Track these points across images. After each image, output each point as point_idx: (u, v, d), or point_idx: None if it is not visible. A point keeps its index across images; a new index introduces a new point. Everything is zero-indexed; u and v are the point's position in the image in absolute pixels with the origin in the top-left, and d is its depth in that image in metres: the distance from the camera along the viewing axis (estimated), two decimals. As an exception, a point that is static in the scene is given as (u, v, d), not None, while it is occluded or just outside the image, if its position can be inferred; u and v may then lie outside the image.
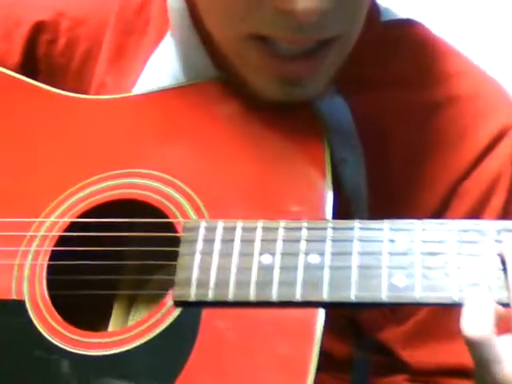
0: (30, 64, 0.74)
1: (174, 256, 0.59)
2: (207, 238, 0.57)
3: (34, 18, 0.73)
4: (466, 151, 0.67)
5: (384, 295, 0.52)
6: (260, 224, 0.57)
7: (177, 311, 0.56)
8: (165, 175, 0.62)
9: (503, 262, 0.52)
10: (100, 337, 0.57)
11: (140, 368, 0.55)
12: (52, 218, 0.62)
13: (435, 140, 0.68)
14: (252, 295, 0.55)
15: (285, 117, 0.63)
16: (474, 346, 0.49)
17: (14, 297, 0.60)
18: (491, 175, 0.67)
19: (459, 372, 0.66)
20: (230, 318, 0.55)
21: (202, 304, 0.56)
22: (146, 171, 0.63)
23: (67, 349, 0.57)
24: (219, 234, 0.57)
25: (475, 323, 0.49)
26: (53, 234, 0.62)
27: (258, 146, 0.62)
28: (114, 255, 0.61)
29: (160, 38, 0.72)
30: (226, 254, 0.56)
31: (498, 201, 0.67)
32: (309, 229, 0.56)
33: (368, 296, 0.52)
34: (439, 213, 0.67)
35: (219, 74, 0.68)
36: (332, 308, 0.54)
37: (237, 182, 0.61)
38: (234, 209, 0.59)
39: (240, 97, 0.65)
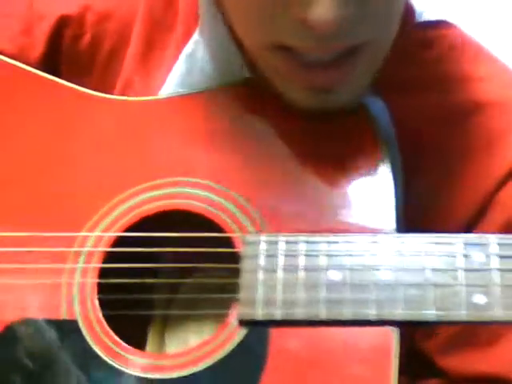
0: (53, 59, 0.71)
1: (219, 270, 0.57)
2: (269, 254, 0.55)
3: (58, 12, 0.71)
4: (500, 159, 0.66)
5: (464, 314, 0.51)
6: (325, 238, 0.55)
7: (243, 331, 0.54)
8: (218, 185, 0.60)
9: None
10: (165, 358, 0.55)
11: (210, 391, 0.53)
12: (98, 232, 0.60)
13: (467, 147, 0.66)
14: (322, 313, 0.53)
15: (335, 123, 0.61)
16: None
17: (66, 316, 0.57)
18: None
19: (495, 380, 0.66)
20: (300, 337, 0.54)
21: (269, 323, 0.54)
22: (196, 180, 0.60)
23: (129, 372, 0.54)
24: (282, 248, 0.55)
25: None
26: (99, 249, 0.59)
27: (316, 156, 0.60)
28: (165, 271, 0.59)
29: (189, 35, 0.69)
30: (291, 270, 0.55)
31: None
32: (375, 242, 0.55)
33: (449, 315, 0.51)
34: (474, 224, 0.65)
35: (254, 76, 0.66)
36: (407, 326, 0.53)
37: (296, 193, 0.59)
38: (293, 221, 0.57)
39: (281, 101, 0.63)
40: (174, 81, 0.69)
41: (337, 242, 0.55)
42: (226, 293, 0.56)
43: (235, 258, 0.57)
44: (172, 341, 0.63)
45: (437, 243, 0.54)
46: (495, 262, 0.52)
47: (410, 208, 0.64)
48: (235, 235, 0.58)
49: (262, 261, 0.55)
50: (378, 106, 0.65)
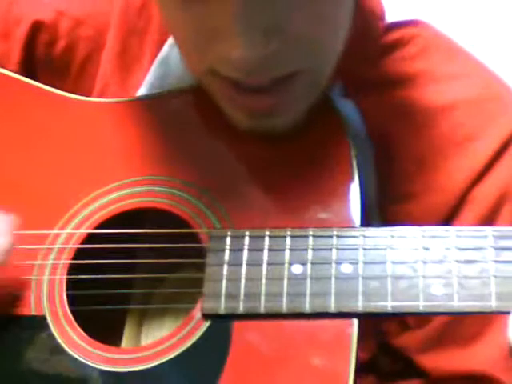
0: (29, 64, 0.72)
1: (189, 265, 0.58)
2: (234, 248, 0.56)
3: (32, 17, 0.71)
4: (475, 156, 0.66)
5: (421, 305, 0.52)
6: (288, 232, 0.56)
7: (206, 324, 0.55)
8: (184, 182, 0.61)
9: None
10: (129, 352, 0.56)
11: (173, 382, 0.54)
12: (68, 230, 0.61)
13: (442, 143, 0.67)
14: (284, 307, 0.54)
15: (306, 121, 0.62)
16: None
17: (34, 312, 0.58)
18: (503, 181, 0.66)
19: (477, 378, 0.66)
20: (262, 329, 0.54)
21: (232, 316, 0.54)
22: (164, 178, 0.61)
23: (94, 365, 0.55)
24: (246, 243, 0.56)
25: None
26: (69, 246, 0.60)
27: (280, 151, 0.61)
28: (132, 266, 0.60)
29: (164, 37, 0.70)
30: (254, 265, 0.55)
31: (510, 207, 0.66)
32: (339, 237, 0.55)
33: (405, 306, 0.52)
34: (450, 219, 0.66)
35: None
36: (366, 318, 0.53)
37: (260, 189, 0.59)
38: (260, 217, 0.58)
39: None
40: (149, 84, 0.70)
41: (300, 237, 0.56)
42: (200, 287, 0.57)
43: (203, 253, 0.58)
44: (148, 335, 0.64)
45: (399, 236, 0.55)
46: (454, 254, 0.53)
47: (389, 202, 0.65)
48: (202, 231, 0.58)
49: (226, 255, 0.56)
50: (347, 106, 0.66)
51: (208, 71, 0.59)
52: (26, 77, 0.70)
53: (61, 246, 0.60)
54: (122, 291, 0.59)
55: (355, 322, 0.53)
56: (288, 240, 0.56)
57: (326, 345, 0.53)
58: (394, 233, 0.54)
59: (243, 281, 0.55)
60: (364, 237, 0.55)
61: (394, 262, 0.53)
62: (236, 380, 0.53)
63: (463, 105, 0.68)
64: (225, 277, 0.55)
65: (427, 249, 0.53)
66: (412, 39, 0.69)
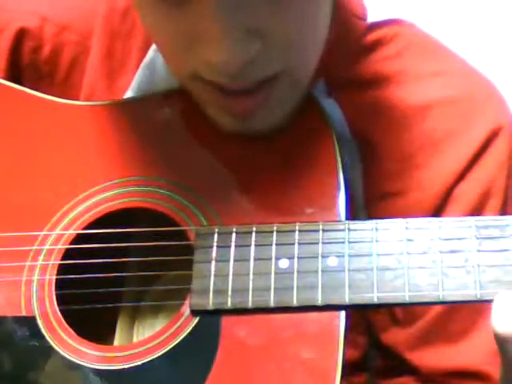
0: (15, 71, 0.72)
1: (180, 263, 0.58)
2: (221, 245, 0.57)
3: (16, 24, 0.72)
4: (459, 152, 0.67)
5: (407, 295, 0.52)
6: (274, 228, 0.57)
7: (195, 320, 0.56)
8: (172, 182, 0.61)
9: None
10: (119, 350, 0.56)
11: (163, 379, 0.54)
12: (57, 231, 0.61)
13: (424, 141, 0.67)
14: (272, 301, 0.54)
15: (291, 119, 0.62)
16: (506, 343, 0.49)
17: (24, 313, 0.58)
18: (487, 177, 0.67)
19: (467, 374, 0.67)
20: (251, 324, 0.55)
21: (220, 312, 0.55)
22: (151, 178, 0.62)
23: (85, 364, 0.56)
24: (233, 239, 0.57)
25: (507, 320, 0.49)
26: (59, 247, 0.61)
27: (265, 149, 0.62)
28: (120, 265, 0.61)
29: (149, 41, 0.71)
30: (242, 260, 0.56)
31: (495, 202, 0.67)
32: (325, 231, 0.56)
33: (391, 297, 0.52)
34: (436, 215, 0.66)
35: None
36: (353, 310, 0.54)
37: (247, 187, 0.60)
38: (247, 214, 0.59)
39: None
40: (136, 88, 0.71)
41: (286, 232, 0.56)
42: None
43: (192, 250, 0.58)
44: (140, 333, 0.65)
45: (383, 229, 0.55)
46: (438, 245, 0.53)
47: (375, 199, 0.66)
48: (189, 228, 0.59)
49: (214, 252, 0.57)
50: (330, 105, 0.66)
51: (191, 75, 0.59)
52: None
53: (50, 247, 0.61)
54: (113, 290, 0.59)
55: (342, 314, 0.54)
56: (274, 235, 0.56)
57: (314, 337, 0.54)
58: (379, 225, 0.55)
59: (231, 277, 0.55)
60: (349, 230, 0.55)
61: (379, 254, 0.54)
62: (225, 374, 0.54)
63: (445, 103, 0.68)
64: (212, 273, 0.56)
65: (411, 240, 0.54)
66: (393, 38, 0.70)
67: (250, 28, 0.54)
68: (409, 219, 0.55)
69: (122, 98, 0.70)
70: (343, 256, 0.55)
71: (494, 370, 0.67)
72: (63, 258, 0.60)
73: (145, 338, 0.56)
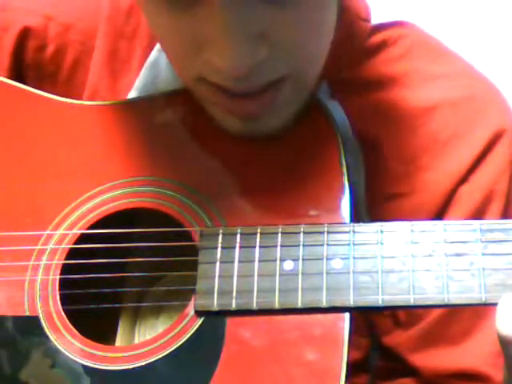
0: (19, 70, 0.72)
1: (183, 264, 0.58)
2: (226, 246, 0.57)
3: (21, 23, 0.72)
4: (462, 155, 0.67)
5: (412, 298, 0.52)
6: (279, 229, 0.57)
7: (199, 321, 0.56)
8: (176, 182, 0.61)
9: None
10: (122, 351, 0.56)
11: (167, 380, 0.54)
12: (61, 230, 0.61)
13: (428, 143, 0.68)
14: (276, 303, 0.54)
15: (297, 120, 0.62)
16: (510, 345, 0.49)
17: (28, 313, 0.58)
18: (490, 179, 0.67)
19: (469, 376, 0.67)
20: (255, 325, 0.55)
21: (225, 313, 0.55)
22: (155, 179, 0.62)
23: (88, 365, 0.56)
24: (238, 240, 0.57)
25: (511, 322, 0.49)
26: (62, 246, 0.61)
27: (270, 150, 0.62)
28: (123, 265, 0.60)
29: (153, 42, 0.71)
30: (246, 262, 0.56)
31: (497, 205, 0.67)
32: (330, 233, 0.56)
33: (395, 299, 0.52)
34: (438, 218, 0.66)
35: None
36: (357, 312, 0.54)
37: (251, 188, 0.60)
38: (251, 215, 0.59)
39: None
40: (139, 88, 0.71)
41: (291, 233, 0.56)
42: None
43: (196, 251, 0.58)
44: (142, 333, 0.65)
45: (388, 231, 0.55)
46: (443, 248, 0.54)
47: (378, 201, 0.66)
48: (194, 229, 0.59)
49: (218, 253, 0.57)
50: (334, 107, 0.66)
51: (196, 78, 0.59)
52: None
53: (54, 246, 0.60)
54: (116, 290, 0.59)
55: (347, 316, 0.54)
56: (279, 237, 0.56)
57: (319, 339, 0.54)
58: (384, 228, 0.55)
59: (235, 278, 0.55)
60: (354, 232, 0.55)
61: (384, 257, 0.54)
62: (230, 376, 0.54)
63: (449, 105, 0.68)
64: (217, 274, 0.56)
65: (416, 243, 0.54)
66: (398, 40, 0.70)
67: (256, 32, 0.54)
68: (414, 222, 0.55)
69: (125, 97, 0.70)
70: (348, 258, 0.55)
71: (495, 371, 0.67)
72: (67, 258, 0.60)
73: (149, 339, 0.56)
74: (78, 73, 0.72)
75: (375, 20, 0.71)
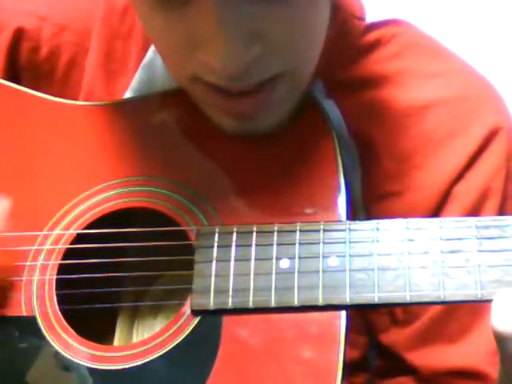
0: (13, 71, 0.73)
1: (180, 263, 0.58)
2: (222, 244, 0.57)
3: (15, 25, 0.72)
4: (457, 153, 0.67)
5: (408, 295, 0.52)
6: (275, 228, 0.57)
7: (196, 320, 0.56)
8: (172, 182, 0.61)
9: None
10: (119, 350, 0.56)
11: (164, 379, 0.54)
12: (57, 231, 0.61)
13: (423, 142, 0.68)
14: (273, 301, 0.54)
15: (291, 119, 0.62)
16: (505, 341, 0.50)
17: (25, 313, 0.58)
18: (485, 177, 0.67)
19: (466, 373, 0.67)
20: (252, 323, 0.55)
21: (221, 312, 0.55)
22: (151, 178, 0.62)
23: (85, 364, 0.56)
24: (234, 239, 0.57)
25: (507, 318, 0.49)
26: (59, 247, 0.61)
27: (266, 149, 0.62)
28: (120, 265, 0.60)
29: (148, 42, 0.71)
30: (242, 260, 0.56)
31: (493, 203, 0.67)
32: (326, 231, 0.56)
33: (392, 297, 0.52)
34: (434, 216, 0.66)
35: None
36: (354, 310, 0.54)
37: (247, 187, 0.60)
38: (247, 214, 0.59)
39: None
40: (135, 89, 0.71)
41: (287, 232, 0.56)
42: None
43: (193, 250, 0.58)
44: (140, 333, 0.65)
45: (384, 229, 0.55)
46: (438, 245, 0.54)
47: (374, 200, 0.66)
48: (190, 228, 0.59)
49: (214, 252, 0.57)
50: (329, 106, 0.66)
51: (191, 78, 0.59)
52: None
53: (50, 246, 0.61)
54: (113, 290, 0.59)
55: (343, 314, 0.54)
56: (275, 235, 0.56)
57: (315, 337, 0.54)
58: (380, 225, 0.55)
59: (232, 276, 0.55)
60: (350, 230, 0.56)
61: (379, 254, 0.54)
62: (226, 374, 0.54)
63: (443, 103, 0.68)
64: (213, 273, 0.56)
65: (412, 240, 0.54)
66: (392, 39, 0.70)
67: (249, 31, 0.55)
68: (409, 219, 0.55)
69: (121, 98, 0.70)
70: (344, 256, 0.55)
71: (493, 369, 0.67)
72: (63, 258, 0.60)
73: (145, 338, 0.56)
74: (73, 74, 0.72)
75: (370, 18, 0.72)
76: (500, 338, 0.50)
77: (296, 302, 0.54)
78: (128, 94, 0.71)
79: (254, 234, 0.57)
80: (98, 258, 0.59)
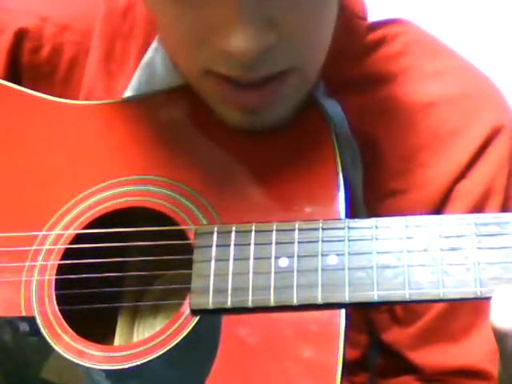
0: (14, 71, 0.72)
1: (180, 263, 0.58)
2: (221, 244, 0.57)
3: (16, 25, 0.72)
4: (460, 151, 0.67)
5: (407, 293, 0.52)
6: (274, 226, 0.56)
7: (195, 319, 0.56)
8: (171, 181, 0.61)
9: None
10: (119, 350, 0.56)
11: (163, 379, 0.54)
12: (57, 230, 0.61)
13: (426, 140, 0.68)
14: (272, 300, 0.54)
15: (293, 118, 0.62)
16: (504, 337, 0.49)
17: (24, 313, 0.58)
18: (488, 175, 0.67)
19: (468, 372, 0.67)
20: (251, 323, 0.55)
21: (220, 311, 0.55)
22: (150, 177, 0.62)
23: (85, 364, 0.55)
24: (233, 238, 0.57)
25: (506, 315, 0.49)
26: (58, 247, 0.60)
27: (266, 147, 0.62)
28: (120, 265, 0.60)
29: (148, 42, 0.71)
30: (241, 259, 0.56)
31: (496, 201, 0.67)
32: (325, 229, 0.56)
33: (391, 295, 0.52)
34: (437, 213, 0.66)
35: None
36: (353, 308, 0.54)
37: (246, 186, 0.60)
38: (246, 213, 0.59)
39: None
40: (134, 88, 0.71)
41: (286, 230, 0.56)
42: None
43: (191, 249, 0.58)
44: (140, 333, 0.65)
45: (383, 227, 0.55)
46: (438, 243, 0.53)
47: (376, 198, 0.66)
48: (188, 228, 0.59)
49: (213, 251, 0.57)
50: (331, 105, 0.66)
51: (201, 70, 0.59)
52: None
53: (49, 246, 0.60)
54: (113, 290, 0.59)
55: (343, 312, 0.54)
56: (274, 234, 0.56)
57: (315, 336, 0.54)
58: (378, 223, 0.55)
59: (231, 276, 0.55)
60: (349, 228, 0.55)
61: (379, 252, 0.54)
62: (226, 374, 0.54)
63: (446, 101, 0.68)
64: (212, 272, 0.56)
65: (411, 238, 0.54)
66: (395, 38, 0.70)
67: (268, 17, 0.55)
68: (408, 217, 0.55)
69: (120, 97, 0.70)
70: (343, 254, 0.54)
71: (495, 368, 0.66)
72: (62, 258, 0.60)
73: (145, 338, 0.56)
74: (74, 73, 0.72)
75: (371, 18, 0.72)
76: (499, 335, 0.50)
77: (295, 301, 0.54)
78: (127, 94, 0.71)
79: (253, 232, 0.56)
80: (97, 257, 0.59)
